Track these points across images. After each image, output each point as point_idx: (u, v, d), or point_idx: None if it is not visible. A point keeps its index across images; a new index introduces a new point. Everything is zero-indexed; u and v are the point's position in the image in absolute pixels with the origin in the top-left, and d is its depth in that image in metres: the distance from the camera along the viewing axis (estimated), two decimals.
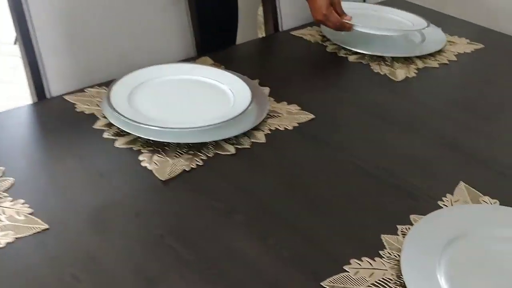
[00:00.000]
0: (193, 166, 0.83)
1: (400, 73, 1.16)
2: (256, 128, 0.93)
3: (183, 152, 0.86)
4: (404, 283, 0.65)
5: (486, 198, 0.80)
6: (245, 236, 0.72)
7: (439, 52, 1.25)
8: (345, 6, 1.24)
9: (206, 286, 0.65)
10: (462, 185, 0.83)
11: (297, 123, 0.96)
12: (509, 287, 0.65)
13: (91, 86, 1.03)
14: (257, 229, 0.73)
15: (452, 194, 0.81)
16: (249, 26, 1.66)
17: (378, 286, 0.65)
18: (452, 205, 0.79)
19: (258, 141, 0.91)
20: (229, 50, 1.21)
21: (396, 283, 0.66)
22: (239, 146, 0.89)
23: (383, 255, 0.70)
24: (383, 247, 0.71)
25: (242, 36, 1.47)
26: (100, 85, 1.03)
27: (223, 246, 0.70)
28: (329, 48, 1.25)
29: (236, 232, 0.73)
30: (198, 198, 0.78)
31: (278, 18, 1.36)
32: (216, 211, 0.76)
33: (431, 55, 1.23)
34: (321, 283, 0.65)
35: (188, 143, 0.87)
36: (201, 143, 0.88)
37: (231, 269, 0.67)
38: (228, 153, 0.87)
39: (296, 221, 0.75)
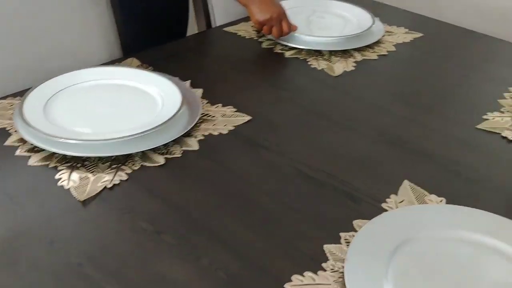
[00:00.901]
0: (116, 182, 0.75)
1: (338, 67, 1.11)
2: (188, 134, 0.86)
3: (105, 166, 0.78)
4: None
5: (433, 197, 0.76)
6: (176, 258, 0.65)
7: (378, 43, 1.22)
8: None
9: None
10: (406, 184, 0.79)
11: (233, 126, 0.90)
12: None
13: (4, 97, 0.93)
14: (189, 249, 0.66)
15: (396, 194, 0.77)
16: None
17: None
18: (397, 206, 0.74)
19: (190, 148, 0.84)
20: (158, 49, 1.13)
21: None
22: (169, 156, 0.81)
23: (326, 268, 0.64)
24: (326, 259, 0.66)
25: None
26: (14, 95, 0.94)
27: (151, 272, 0.63)
28: (265, 44, 1.19)
29: (166, 255, 0.65)
30: (122, 218, 0.70)
31: (210, 14, 1.29)
32: (142, 232, 0.68)
33: (370, 46, 1.20)
34: None
35: (111, 156, 0.79)
36: (126, 155, 0.80)
37: None
38: (156, 164, 0.80)
39: (232, 237, 0.68)
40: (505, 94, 1.04)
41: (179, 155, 0.82)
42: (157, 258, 0.65)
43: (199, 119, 0.90)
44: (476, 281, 0.63)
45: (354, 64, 1.13)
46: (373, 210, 0.73)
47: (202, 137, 0.86)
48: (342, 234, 0.69)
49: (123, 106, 0.91)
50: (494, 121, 0.96)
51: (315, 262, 0.65)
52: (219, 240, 0.68)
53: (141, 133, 0.81)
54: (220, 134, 0.88)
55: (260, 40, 1.20)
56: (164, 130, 0.83)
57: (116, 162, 0.79)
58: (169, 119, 0.84)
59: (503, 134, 0.92)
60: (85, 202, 0.71)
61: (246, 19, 1.30)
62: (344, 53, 1.16)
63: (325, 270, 0.64)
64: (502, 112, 0.99)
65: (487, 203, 0.76)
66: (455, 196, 0.77)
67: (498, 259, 0.66)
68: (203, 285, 0.62)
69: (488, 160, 0.86)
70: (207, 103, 0.95)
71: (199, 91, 0.98)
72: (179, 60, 1.10)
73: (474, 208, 0.73)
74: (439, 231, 0.69)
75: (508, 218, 0.71)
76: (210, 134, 0.87)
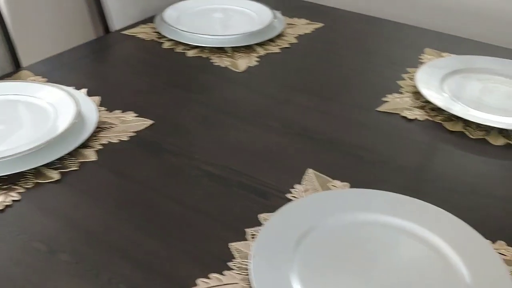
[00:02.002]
0: (8, 203, 0.70)
1: (242, 63, 1.10)
2: (85, 145, 0.82)
3: None
4: None
5: (336, 182, 0.77)
6: (74, 277, 0.61)
7: (280, 36, 1.22)
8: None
9: None
10: (310, 172, 0.79)
11: (134, 132, 0.87)
12: (365, 276, 0.62)
13: None
14: (87, 266, 0.63)
15: (301, 183, 0.77)
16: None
17: None
18: (302, 196, 0.74)
19: (87, 160, 0.80)
20: (52, 59, 1.07)
21: None
22: (64, 170, 0.77)
23: (233, 267, 0.63)
24: (232, 257, 0.64)
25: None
26: None
27: None
28: (166, 45, 1.16)
29: (63, 274, 0.62)
30: (15, 241, 0.66)
31: (108, 18, 1.24)
32: (37, 253, 0.64)
33: (272, 40, 1.20)
34: None
35: (1, 176, 0.74)
36: (18, 173, 0.75)
37: None
38: (51, 180, 0.75)
39: (133, 248, 0.65)
40: (404, 76, 1.07)
41: (76, 168, 0.78)
42: (53, 279, 0.61)
43: (97, 128, 0.86)
44: (382, 262, 0.64)
45: (258, 59, 1.12)
46: (279, 202, 0.72)
47: (101, 147, 0.83)
48: (248, 230, 0.68)
49: (15, 122, 0.85)
50: (393, 102, 0.98)
51: (222, 263, 0.64)
52: (119, 253, 0.64)
53: (31, 149, 0.76)
54: (121, 141, 0.84)
55: (160, 41, 1.18)
56: (58, 143, 0.79)
57: (8, 181, 0.74)
58: (61, 132, 0.80)
59: (403, 114, 0.95)
60: None
61: (145, 21, 1.27)
62: (247, 49, 1.16)
63: (231, 269, 0.63)
64: (401, 93, 1.01)
65: (390, 184, 0.77)
66: (359, 179, 0.78)
67: (402, 237, 0.67)
68: None
69: (389, 141, 0.88)
70: (105, 110, 0.91)
71: (96, 99, 0.94)
72: (75, 68, 1.06)
73: (377, 190, 0.74)
74: (343, 215, 0.69)
75: (410, 197, 0.72)
76: (110, 143, 0.84)
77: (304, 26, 1.28)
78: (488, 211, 0.74)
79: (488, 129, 0.90)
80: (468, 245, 0.66)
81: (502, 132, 0.90)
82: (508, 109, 0.95)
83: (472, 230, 0.67)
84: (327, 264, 0.63)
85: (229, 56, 1.13)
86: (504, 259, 0.65)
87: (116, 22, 1.25)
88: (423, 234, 0.67)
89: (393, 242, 0.67)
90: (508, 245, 0.67)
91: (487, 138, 0.89)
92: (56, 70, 1.04)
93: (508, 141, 0.88)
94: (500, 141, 0.88)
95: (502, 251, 0.67)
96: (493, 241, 0.68)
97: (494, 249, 0.66)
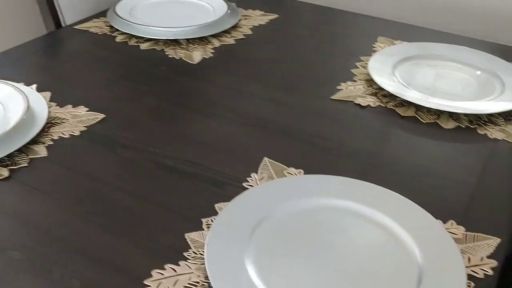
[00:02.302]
0: None
1: (197, 55, 1.10)
2: (35, 141, 0.80)
3: None
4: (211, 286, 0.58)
5: (291, 170, 0.77)
6: (26, 274, 0.60)
7: (235, 27, 1.22)
8: None
9: None
10: (266, 160, 0.79)
11: (85, 126, 0.85)
12: (320, 259, 0.62)
13: None
14: (39, 263, 0.61)
15: (257, 172, 0.77)
16: None
17: None
18: (257, 184, 0.74)
19: (38, 156, 0.78)
20: (0, 55, 1.04)
21: (203, 285, 0.59)
22: (14, 167, 0.75)
23: (188, 257, 0.63)
24: (188, 248, 0.64)
25: None
26: None
27: None
28: (119, 38, 1.14)
29: (13, 272, 0.60)
30: None
31: (58, 13, 1.22)
32: None
33: (227, 32, 1.19)
34: None
35: None
36: None
37: None
38: (0, 177, 0.73)
39: (86, 243, 0.64)
40: (357, 64, 1.09)
41: (26, 165, 0.76)
42: (5, 278, 0.59)
43: (48, 123, 0.84)
44: (337, 245, 0.64)
45: (212, 51, 1.12)
46: (235, 191, 0.72)
47: (52, 142, 0.81)
48: (203, 220, 0.68)
49: None
50: (347, 90, 0.99)
51: (178, 254, 0.63)
52: (72, 249, 0.63)
53: None
54: (72, 136, 0.83)
55: (113, 35, 1.16)
56: (7, 140, 0.77)
57: None
58: (10, 129, 0.78)
59: (356, 102, 0.96)
60: None
61: (98, 15, 1.24)
62: (202, 41, 1.15)
63: (187, 259, 0.62)
64: (355, 81, 1.03)
65: (344, 169, 0.78)
66: (314, 166, 0.78)
67: (357, 220, 0.68)
68: None
69: (343, 128, 0.89)
70: (56, 105, 0.89)
71: (46, 95, 0.92)
72: (25, 64, 1.03)
73: (330, 175, 0.74)
74: (298, 201, 0.70)
75: (363, 180, 0.73)
76: (61, 138, 0.82)
77: (259, 18, 1.28)
78: (439, 192, 0.75)
79: (439, 113, 0.93)
80: (420, 226, 0.67)
81: (452, 115, 0.92)
82: (459, 94, 0.98)
83: (424, 211, 0.69)
84: (283, 250, 0.64)
85: (183, 48, 1.12)
86: (454, 238, 0.66)
87: (67, 17, 1.22)
88: (376, 216, 0.68)
89: (347, 226, 0.68)
90: (458, 224, 0.69)
91: (438, 122, 0.91)
92: (5, 67, 1.01)
93: (459, 124, 0.90)
94: (450, 125, 0.90)
95: (453, 230, 0.68)
96: (444, 221, 0.69)
97: (445, 228, 0.68)
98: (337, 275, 0.61)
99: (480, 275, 0.62)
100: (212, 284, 0.57)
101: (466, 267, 0.63)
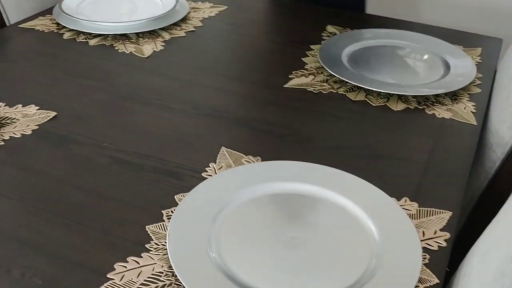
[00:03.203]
0: None
1: (147, 48, 1.09)
2: None
3: None
4: (175, 273, 0.59)
5: (249, 158, 0.78)
6: None
7: (184, 20, 1.21)
8: None
9: None
10: (223, 150, 0.80)
11: (36, 125, 0.83)
12: (281, 241, 0.64)
13: None
14: None
15: (215, 162, 0.77)
16: None
17: (148, 284, 0.58)
18: (216, 173, 0.75)
19: None
20: None
21: (167, 274, 0.59)
22: None
23: (150, 248, 0.63)
24: (150, 240, 0.64)
25: None
26: None
27: None
28: (66, 35, 1.12)
29: None
30: None
31: (2, 13, 1.18)
32: None
33: (177, 24, 1.19)
34: None
35: None
36: None
37: None
38: None
39: (45, 241, 0.63)
40: (308, 52, 1.10)
41: None
42: None
43: None
44: (297, 226, 0.66)
45: (163, 44, 1.11)
46: (194, 181, 0.72)
47: (3, 143, 0.79)
48: (164, 212, 0.68)
49: None
50: (299, 78, 1.01)
51: (140, 246, 0.63)
52: (31, 247, 0.62)
53: None
54: (23, 135, 0.81)
55: (60, 32, 1.13)
56: None
57: None
58: None
59: (308, 89, 0.97)
60: None
61: (43, 13, 1.21)
62: (152, 34, 1.14)
63: (149, 251, 0.62)
64: (306, 69, 1.04)
65: (300, 154, 0.80)
66: (270, 153, 0.79)
67: (313, 202, 0.69)
68: None
69: (296, 115, 0.91)
70: (5, 105, 0.87)
71: None
72: None
73: (286, 160, 0.76)
74: (256, 187, 0.71)
75: (317, 164, 0.75)
76: (11, 138, 0.80)
77: (208, 10, 1.28)
78: (392, 171, 0.78)
79: (388, 96, 0.95)
80: (375, 204, 0.69)
81: (401, 98, 0.95)
82: (407, 77, 1.01)
83: (378, 190, 0.71)
84: (244, 235, 0.64)
85: (133, 43, 1.11)
86: (409, 214, 0.69)
87: (11, 16, 1.19)
88: (333, 197, 0.70)
89: (306, 208, 0.69)
90: (412, 201, 0.72)
91: (388, 104, 0.93)
92: None
93: (408, 106, 0.93)
94: (400, 106, 0.93)
95: (407, 207, 0.71)
96: (398, 198, 0.72)
97: (400, 205, 0.70)
98: (298, 254, 0.62)
99: (434, 247, 0.65)
100: (176, 273, 0.58)
101: (421, 240, 0.65)
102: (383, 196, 0.70)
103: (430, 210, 0.70)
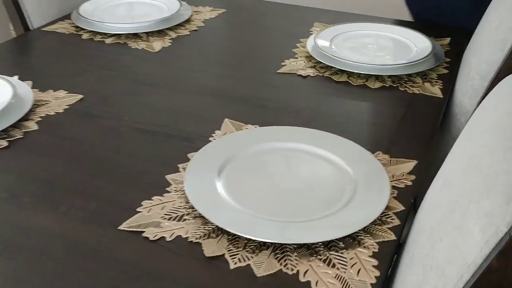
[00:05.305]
0: None
1: (157, 45, 1.24)
2: (26, 119, 0.93)
3: None
4: (192, 205, 0.73)
5: (248, 126, 0.93)
6: (36, 212, 0.73)
7: (188, 21, 1.37)
8: None
9: (6, 263, 0.65)
10: (227, 121, 0.94)
11: (67, 105, 0.98)
12: (275, 181, 0.78)
13: None
14: (47, 203, 0.75)
15: (220, 130, 0.92)
16: None
17: (171, 215, 0.73)
18: (221, 137, 0.90)
19: (30, 129, 0.91)
20: None
21: (185, 207, 0.74)
22: (11, 139, 0.88)
23: (170, 190, 0.77)
24: (169, 185, 0.78)
25: None
26: None
27: (13, 226, 0.70)
28: (85, 36, 1.27)
29: (26, 212, 0.73)
30: None
31: (26, 19, 1.33)
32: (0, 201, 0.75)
33: (181, 25, 1.34)
34: (118, 228, 0.70)
35: None
36: None
37: (27, 241, 0.68)
38: (1, 147, 0.86)
39: (85, 186, 0.78)
40: (298, 45, 1.26)
41: (21, 136, 0.89)
42: (17, 216, 0.72)
43: (34, 105, 0.97)
44: (288, 172, 0.80)
45: (170, 41, 1.27)
46: (203, 143, 0.87)
47: (40, 119, 0.94)
48: (179, 165, 0.82)
49: None
50: (290, 65, 1.16)
51: (161, 189, 0.77)
52: (74, 191, 0.77)
53: None
54: (57, 113, 0.96)
55: (79, 33, 1.29)
56: (1, 118, 0.90)
57: None
58: (3, 108, 0.90)
59: (298, 73, 1.13)
60: None
61: (62, 18, 1.37)
62: (160, 33, 1.30)
63: (169, 192, 0.77)
64: (297, 58, 1.19)
65: (290, 123, 0.94)
66: (266, 122, 0.94)
67: (301, 155, 0.84)
68: (65, 225, 0.71)
69: (288, 93, 1.06)
70: (38, 91, 1.02)
71: (28, 83, 1.04)
72: (3, 62, 1.15)
73: (280, 126, 0.91)
74: (255, 146, 0.85)
75: (306, 127, 0.90)
76: (47, 115, 0.95)
77: (209, 12, 1.44)
78: (368, 132, 0.93)
79: (367, 77, 1.10)
80: (353, 154, 0.84)
81: (378, 78, 1.10)
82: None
83: (356, 144, 0.86)
84: (245, 177, 0.79)
85: (144, 41, 1.26)
86: (382, 163, 0.83)
87: (34, 22, 1.34)
88: (318, 151, 0.84)
89: (295, 159, 0.84)
90: (384, 154, 0.86)
91: (367, 84, 1.09)
92: None
93: (384, 84, 1.08)
94: (377, 85, 1.08)
95: (380, 158, 0.85)
96: (373, 151, 0.86)
97: (374, 156, 0.84)
98: (289, 190, 0.77)
99: (402, 185, 0.79)
100: (192, 203, 0.72)
101: (391, 180, 0.80)
102: (360, 149, 0.85)
103: (399, 160, 0.85)
